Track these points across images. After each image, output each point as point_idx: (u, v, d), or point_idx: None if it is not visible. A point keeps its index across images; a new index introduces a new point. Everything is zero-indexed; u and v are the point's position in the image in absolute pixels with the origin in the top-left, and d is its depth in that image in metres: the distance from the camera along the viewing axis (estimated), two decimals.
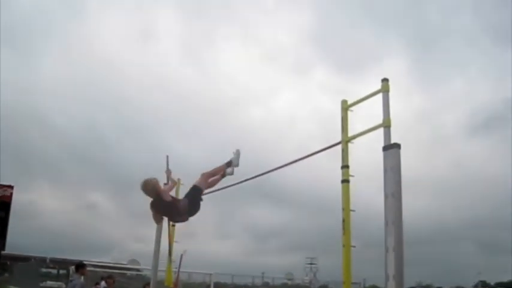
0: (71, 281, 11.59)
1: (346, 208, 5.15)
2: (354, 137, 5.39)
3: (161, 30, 70.02)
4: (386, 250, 4.50)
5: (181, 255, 10.32)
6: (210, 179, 7.37)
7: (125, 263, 33.61)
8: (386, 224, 4.57)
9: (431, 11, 66.55)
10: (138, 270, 33.89)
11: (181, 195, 7.69)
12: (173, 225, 8.86)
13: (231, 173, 7.41)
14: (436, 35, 68.60)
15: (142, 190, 6.78)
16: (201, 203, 7.11)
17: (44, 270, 34.50)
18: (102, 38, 64.24)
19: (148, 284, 14.65)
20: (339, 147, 5.49)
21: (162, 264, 9.21)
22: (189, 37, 69.80)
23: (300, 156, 6.36)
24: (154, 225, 8.72)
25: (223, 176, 7.39)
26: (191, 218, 7.02)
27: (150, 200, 6.74)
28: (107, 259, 36.05)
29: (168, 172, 7.67)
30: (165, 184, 7.28)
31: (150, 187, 6.73)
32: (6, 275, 33.00)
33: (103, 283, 14.86)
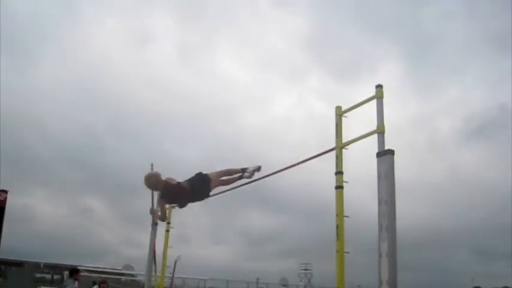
0: (65, 286, 11.57)
1: (339, 214, 5.15)
2: (348, 143, 5.41)
3: (158, 34, 70.08)
4: (380, 256, 4.51)
5: (176, 261, 10.33)
6: (224, 177, 7.46)
7: (119, 268, 33.53)
8: (380, 230, 4.59)
9: (427, 18, 66.81)
10: (132, 275, 33.79)
11: None
12: (167, 231, 8.86)
13: (249, 177, 7.40)
14: (432, 41, 68.84)
15: (147, 185, 6.99)
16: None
17: (38, 275, 34.34)
18: (98, 42, 64.20)
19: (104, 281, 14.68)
20: (334, 153, 5.52)
21: (157, 270, 9.20)
22: (186, 41, 69.81)
23: (295, 162, 6.37)
24: (149, 230, 8.73)
25: (241, 177, 7.42)
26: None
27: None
28: (101, 264, 35.95)
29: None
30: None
31: (154, 179, 6.94)
32: (0, 279, 32.87)
33: (95, 287, 14.84)
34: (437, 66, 70.17)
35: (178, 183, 7.15)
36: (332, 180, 5.37)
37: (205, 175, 7.25)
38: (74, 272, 11.56)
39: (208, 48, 71.94)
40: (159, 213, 7.48)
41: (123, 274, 33.23)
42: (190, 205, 7.88)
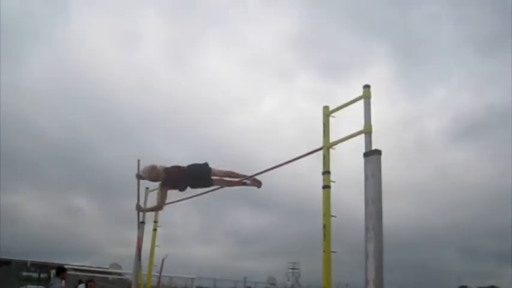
0: (51, 284, 11.49)
1: (326, 214, 5.16)
2: (336, 143, 5.42)
3: (147, 34, 69.77)
4: (367, 256, 4.53)
5: (163, 260, 10.28)
6: (227, 178, 7.59)
7: (106, 267, 33.35)
8: (366, 230, 4.60)
9: (415, 19, 67.17)
10: (119, 274, 33.62)
11: None
12: (154, 230, 8.83)
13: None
14: (420, 42, 69.22)
15: (148, 178, 7.38)
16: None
17: (24, 273, 34.10)
18: (88, 41, 63.76)
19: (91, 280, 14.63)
20: (321, 152, 5.52)
21: (144, 269, 9.17)
22: (174, 41, 69.63)
23: (283, 161, 6.37)
24: (136, 229, 8.71)
25: (244, 184, 7.61)
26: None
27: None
28: (88, 263, 35.78)
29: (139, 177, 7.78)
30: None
31: (154, 171, 7.26)
32: None
33: (82, 286, 14.79)
34: (425, 67, 70.70)
35: (177, 166, 7.43)
36: (320, 180, 5.38)
37: (208, 166, 7.47)
38: (60, 271, 11.49)
39: (197, 48, 71.78)
40: (160, 201, 7.63)
41: (110, 273, 33.06)
42: (177, 204, 7.90)
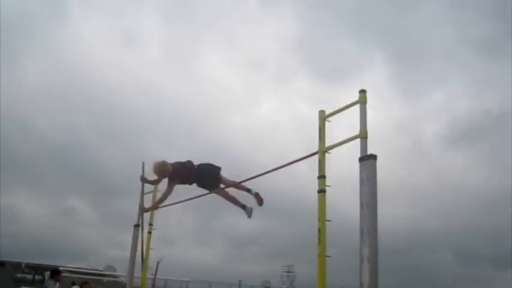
0: (46, 287, 11.46)
1: (321, 218, 5.17)
2: (331, 147, 5.44)
3: (145, 35, 69.60)
4: (361, 260, 4.54)
5: (158, 262, 10.29)
6: (230, 191, 7.82)
7: (101, 269, 33.33)
8: (361, 234, 4.62)
9: (413, 23, 67.24)
10: (114, 276, 33.60)
11: None
12: (149, 232, 8.81)
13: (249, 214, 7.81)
14: (417, 46, 69.24)
15: (156, 173, 7.53)
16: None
17: (19, 275, 34.01)
18: (85, 41, 63.58)
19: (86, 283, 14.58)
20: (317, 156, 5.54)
21: (138, 271, 9.15)
22: (172, 42, 69.47)
23: (280, 164, 6.39)
24: (131, 231, 8.71)
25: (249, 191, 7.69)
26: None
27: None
28: (83, 265, 35.69)
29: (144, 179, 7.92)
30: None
31: (162, 166, 7.42)
32: None
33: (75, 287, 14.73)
34: (422, 71, 70.62)
35: (189, 161, 7.62)
36: (316, 184, 5.40)
37: (220, 173, 7.68)
38: (55, 273, 11.43)
39: (195, 50, 71.74)
40: (164, 194, 7.68)
41: (104, 275, 33.03)
42: (172, 207, 7.93)
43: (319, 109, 5.72)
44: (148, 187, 8.59)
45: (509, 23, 54.49)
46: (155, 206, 8.25)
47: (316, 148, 5.59)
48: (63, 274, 13.40)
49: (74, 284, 15.47)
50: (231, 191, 7.87)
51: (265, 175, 6.65)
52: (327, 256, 5.10)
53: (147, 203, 8.54)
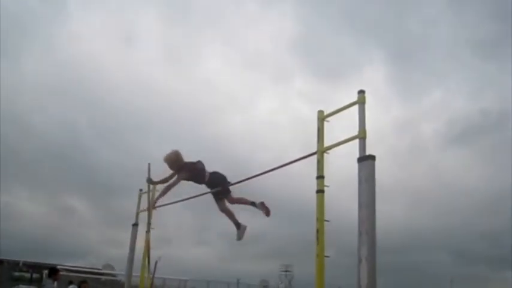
0: (44, 285, 11.46)
1: (320, 218, 5.18)
2: (330, 147, 5.44)
3: (143, 33, 69.45)
4: (360, 260, 4.55)
5: (156, 261, 10.26)
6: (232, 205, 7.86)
7: (99, 267, 33.29)
8: (359, 234, 4.63)
9: (412, 23, 67.22)
10: (112, 275, 33.56)
11: None
12: (147, 231, 8.81)
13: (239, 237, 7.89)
14: (416, 46, 69.24)
15: (167, 160, 7.53)
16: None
17: (16, 273, 33.97)
18: (84, 39, 63.47)
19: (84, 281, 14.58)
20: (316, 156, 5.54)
21: (137, 270, 9.16)
22: (172, 41, 69.36)
23: (278, 164, 6.39)
24: (130, 230, 8.71)
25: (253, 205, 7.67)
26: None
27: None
28: (82, 263, 35.64)
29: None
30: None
31: (175, 154, 7.52)
32: None
33: (73, 287, 14.71)
34: (421, 70, 70.54)
35: (203, 168, 7.60)
36: (315, 184, 5.40)
37: (229, 189, 7.67)
38: (53, 272, 11.41)
39: (193, 49, 71.61)
40: (173, 182, 7.67)
41: (103, 274, 32.99)
42: (170, 206, 7.94)
43: (318, 109, 5.73)
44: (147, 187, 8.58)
45: (508, 23, 54.51)
46: (162, 194, 8.24)
47: (314, 148, 5.60)
48: (61, 273, 13.38)
49: (71, 282, 15.46)
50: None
51: (264, 175, 6.66)
52: (326, 256, 5.11)
53: (144, 203, 8.56)
